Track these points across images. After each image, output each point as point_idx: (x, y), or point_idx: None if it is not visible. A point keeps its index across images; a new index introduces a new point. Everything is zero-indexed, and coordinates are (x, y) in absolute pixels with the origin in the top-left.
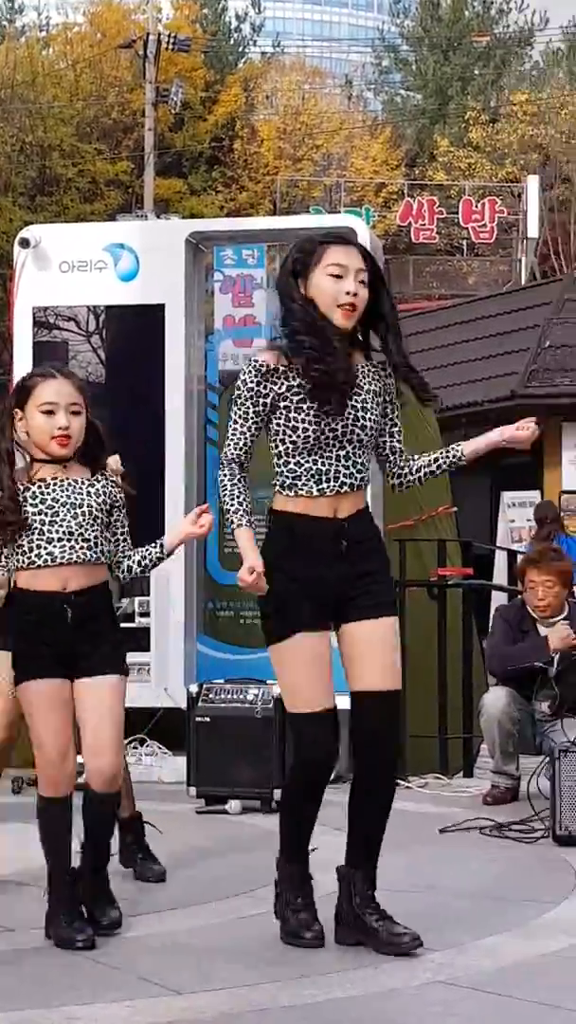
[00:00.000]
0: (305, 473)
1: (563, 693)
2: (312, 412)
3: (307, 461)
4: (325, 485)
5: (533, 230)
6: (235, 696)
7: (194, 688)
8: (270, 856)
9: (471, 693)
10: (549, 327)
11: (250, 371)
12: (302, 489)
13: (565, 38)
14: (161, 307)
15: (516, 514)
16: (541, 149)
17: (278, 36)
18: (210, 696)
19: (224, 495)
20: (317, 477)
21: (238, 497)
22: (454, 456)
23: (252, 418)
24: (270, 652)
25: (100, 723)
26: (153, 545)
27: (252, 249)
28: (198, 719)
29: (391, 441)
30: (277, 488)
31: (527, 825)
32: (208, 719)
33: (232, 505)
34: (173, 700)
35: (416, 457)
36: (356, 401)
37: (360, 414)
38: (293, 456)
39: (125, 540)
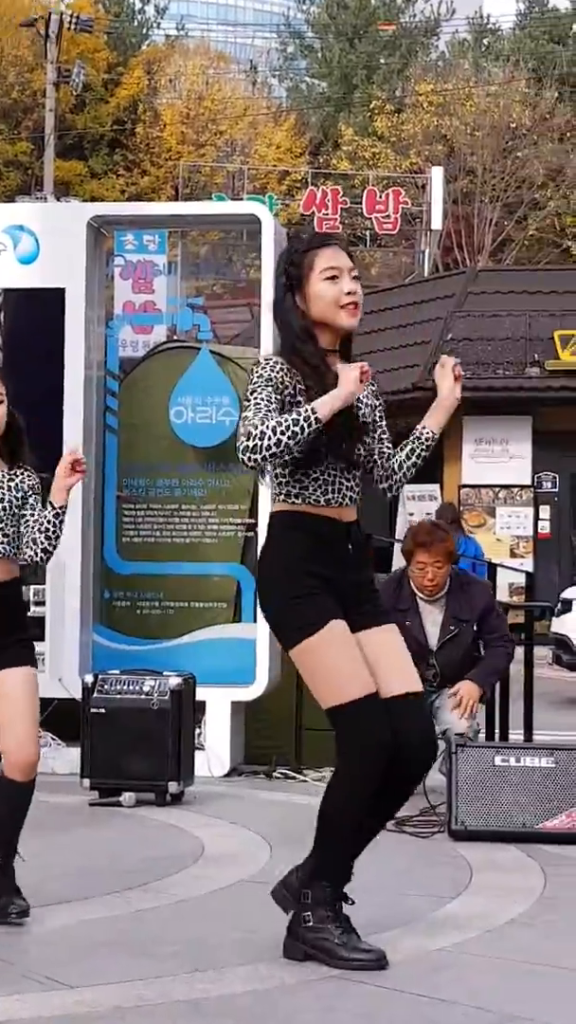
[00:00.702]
0: (312, 483)
1: (443, 668)
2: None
3: (315, 471)
4: (332, 496)
5: (437, 222)
6: (131, 687)
7: (89, 679)
8: (164, 849)
9: None
10: (451, 320)
11: (267, 364)
12: (309, 498)
13: (471, 29)
14: (61, 291)
15: (415, 507)
16: (446, 140)
17: (182, 19)
18: (105, 687)
19: (280, 432)
20: (324, 488)
21: (284, 417)
22: (426, 439)
23: (274, 401)
24: (300, 654)
25: (20, 715)
26: (42, 511)
27: (153, 235)
28: (93, 710)
29: (380, 446)
30: (281, 497)
31: (423, 819)
32: (103, 710)
33: (290, 418)
34: (68, 690)
35: (396, 459)
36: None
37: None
38: (300, 467)
39: (37, 529)
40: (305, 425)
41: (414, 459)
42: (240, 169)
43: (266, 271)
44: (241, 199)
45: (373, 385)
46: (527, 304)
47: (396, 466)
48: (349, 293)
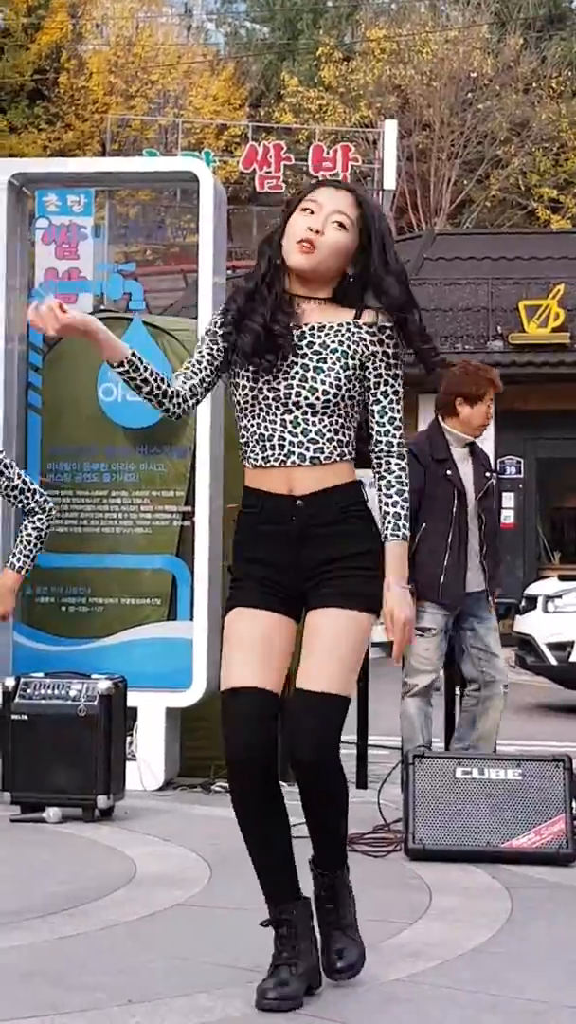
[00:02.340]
0: (252, 438)
1: (485, 516)
2: (251, 369)
3: (252, 424)
4: (270, 453)
5: (390, 181)
6: (56, 692)
7: (10, 682)
8: (92, 869)
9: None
10: None
11: (216, 314)
12: (250, 456)
13: None
14: None
15: (371, 494)
16: (399, 91)
17: None
18: (28, 691)
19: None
20: (262, 444)
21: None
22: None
23: (205, 354)
24: None
25: None
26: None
27: (79, 195)
28: (14, 717)
29: (373, 407)
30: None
31: (377, 837)
32: (25, 717)
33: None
34: None
35: (389, 478)
36: (308, 361)
37: (311, 375)
38: (241, 418)
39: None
40: (122, 379)
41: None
42: (174, 123)
43: (204, 234)
44: (175, 155)
45: (355, 330)
46: (489, 271)
47: (383, 485)
48: (310, 229)
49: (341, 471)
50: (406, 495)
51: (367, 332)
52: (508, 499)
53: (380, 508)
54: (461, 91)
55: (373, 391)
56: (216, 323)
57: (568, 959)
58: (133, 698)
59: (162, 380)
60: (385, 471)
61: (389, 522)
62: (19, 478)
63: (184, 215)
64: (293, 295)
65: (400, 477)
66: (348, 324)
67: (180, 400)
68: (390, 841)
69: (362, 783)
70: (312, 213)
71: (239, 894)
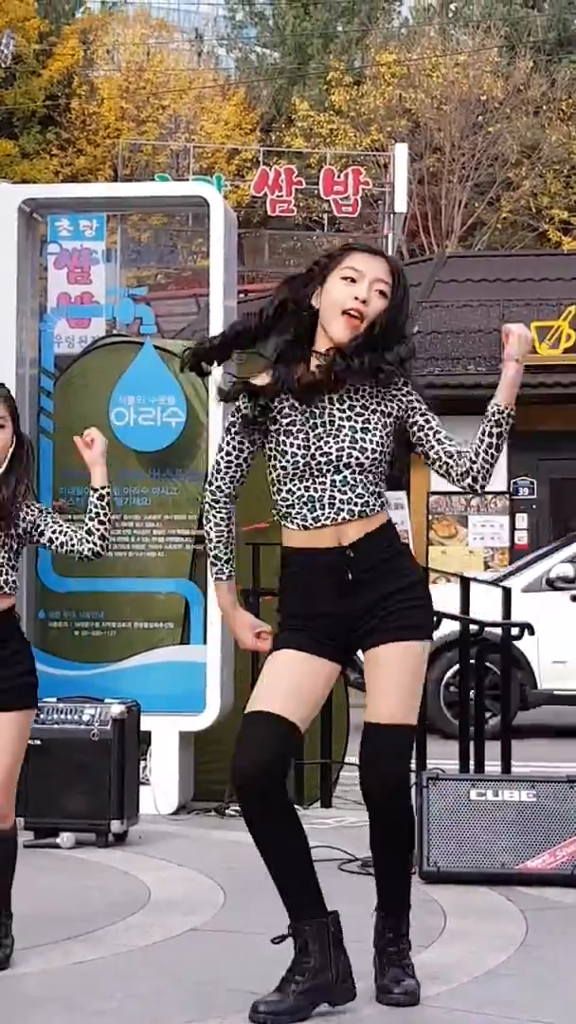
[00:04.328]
0: (297, 501)
1: None
2: (302, 436)
3: (299, 488)
4: (320, 512)
5: (401, 204)
6: (69, 717)
7: None
8: (106, 895)
9: (331, 714)
10: (417, 311)
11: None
12: (296, 518)
13: None
14: None
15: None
16: (410, 115)
17: None
18: (41, 716)
19: (207, 539)
20: (311, 504)
21: (220, 540)
22: (492, 414)
23: (238, 444)
24: None
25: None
26: (89, 506)
27: (91, 219)
28: (28, 742)
29: (441, 447)
30: (278, 519)
31: None
32: (38, 742)
33: (213, 550)
34: None
35: (471, 445)
36: (355, 422)
37: (359, 435)
38: (285, 483)
39: (68, 533)
40: (212, 567)
41: (485, 439)
42: (185, 147)
43: (214, 258)
44: (186, 180)
45: (387, 390)
46: (500, 293)
47: (474, 457)
48: (357, 299)
49: (380, 516)
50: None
51: (395, 388)
52: (521, 519)
53: (482, 439)
54: (471, 114)
55: (425, 430)
56: (243, 403)
57: None
58: (146, 722)
59: (232, 529)
60: (469, 451)
61: (486, 421)
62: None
63: (196, 239)
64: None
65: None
66: (381, 386)
67: (231, 508)
68: None
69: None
70: (354, 282)
71: (253, 919)
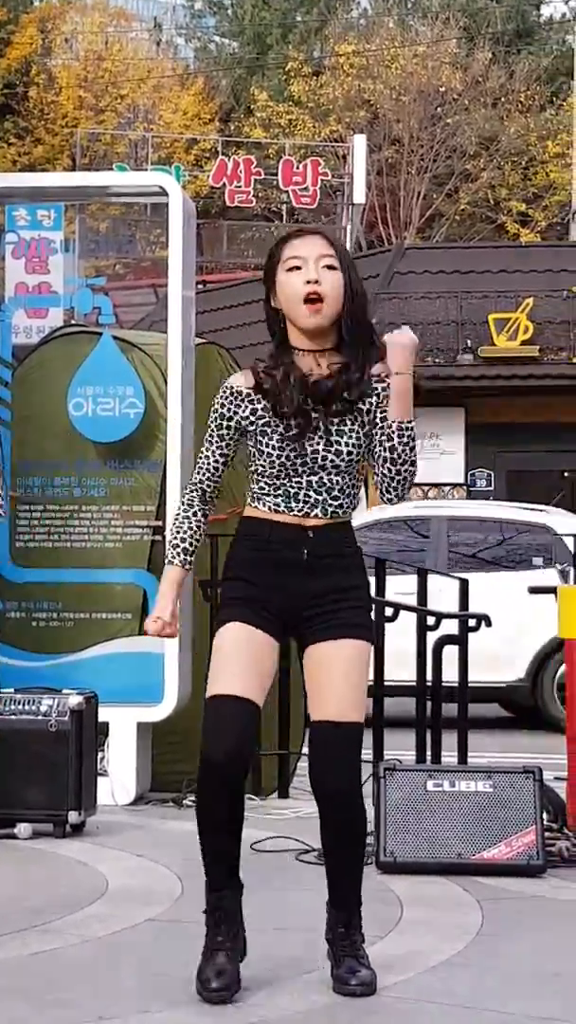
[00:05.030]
0: (273, 492)
1: None
2: (276, 437)
3: (277, 482)
4: (294, 504)
5: (359, 195)
6: (26, 707)
7: None
8: (64, 886)
9: (288, 704)
10: (377, 302)
11: (219, 393)
12: (268, 503)
13: None
14: None
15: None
16: (369, 106)
17: None
18: None
19: (172, 524)
20: (286, 498)
21: (182, 531)
22: (403, 432)
23: (217, 442)
24: None
25: None
26: None
27: (49, 209)
28: None
29: (390, 454)
30: (248, 500)
31: None
32: None
33: (174, 538)
34: None
35: (386, 466)
36: (331, 423)
37: (334, 438)
38: (263, 478)
39: None
40: (171, 551)
41: (388, 455)
42: (144, 137)
43: (173, 248)
44: (145, 170)
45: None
46: (459, 284)
47: (395, 473)
48: (309, 282)
49: (348, 516)
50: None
51: (376, 382)
52: None
53: (388, 453)
54: (430, 105)
55: (385, 428)
56: (220, 402)
57: (538, 971)
58: (104, 713)
59: (201, 526)
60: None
61: (384, 434)
62: None
63: (154, 229)
64: (304, 351)
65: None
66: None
67: (211, 507)
68: None
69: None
70: (300, 268)
71: (203, 906)
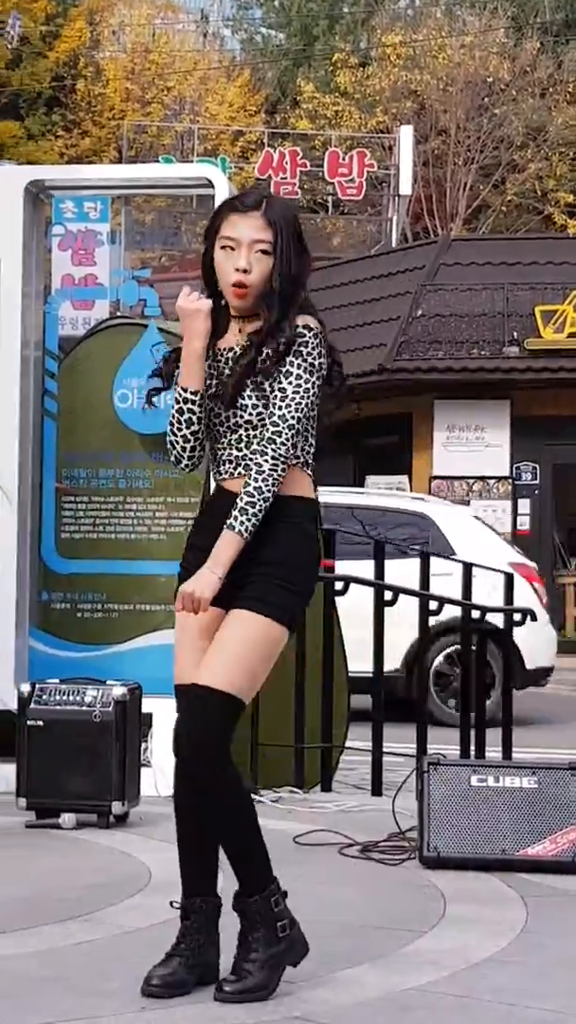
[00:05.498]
0: (215, 456)
1: None
2: (200, 396)
3: (213, 447)
4: (221, 468)
5: (406, 186)
6: (71, 698)
7: (25, 688)
8: (107, 875)
9: (331, 698)
10: (422, 294)
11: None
12: (214, 470)
13: None
14: None
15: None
16: (415, 97)
17: None
18: (43, 697)
19: (169, 431)
20: (219, 461)
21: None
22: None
23: (201, 417)
24: None
25: None
26: None
27: (95, 201)
28: (29, 723)
29: (264, 424)
30: None
31: (391, 845)
32: (40, 723)
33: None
34: (1, 701)
35: (251, 467)
36: (222, 388)
37: (246, 398)
38: (209, 440)
39: None
40: (180, 403)
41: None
42: (190, 129)
43: None
44: (191, 162)
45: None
46: (505, 276)
47: (251, 466)
48: (237, 270)
49: (286, 483)
50: (249, 489)
51: (282, 338)
52: (524, 505)
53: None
54: (477, 96)
55: (272, 399)
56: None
57: None
58: (148, 704)
59: (203, 435)
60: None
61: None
62: None
63: (200, 221)
64: (233, 317)
65: (251, 469)
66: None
67: (199, 460)
68: (404, 849)
69: (377, 791)
70: (233, 250)
71: None
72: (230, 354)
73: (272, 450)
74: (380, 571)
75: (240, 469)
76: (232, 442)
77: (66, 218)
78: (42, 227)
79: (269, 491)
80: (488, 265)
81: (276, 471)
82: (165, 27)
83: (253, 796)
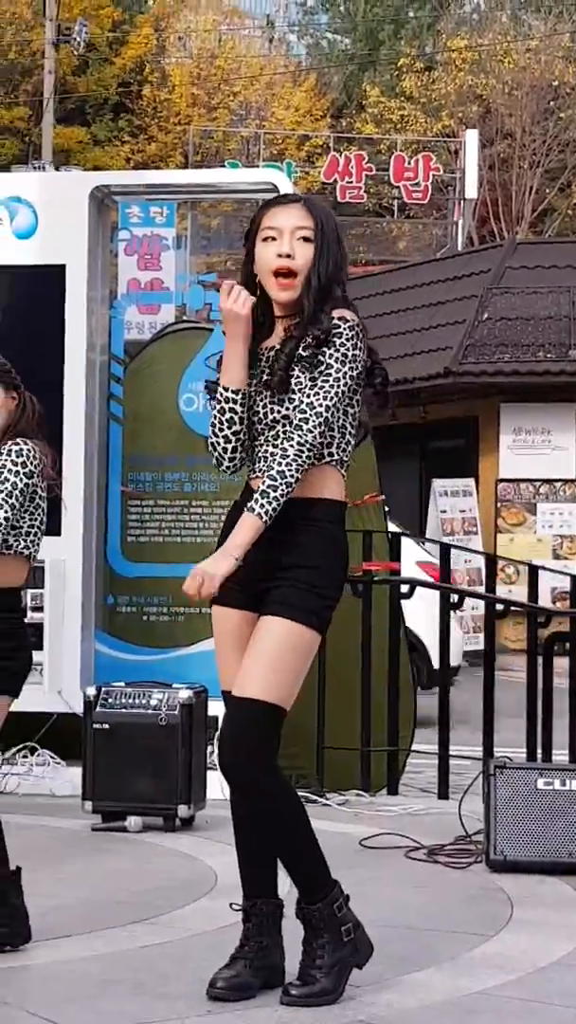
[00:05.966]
0: (253, 459)
1: None
2: (242, 396)
3: (253, 449)
4: (256, 466)
5: (471, 190)
6: (137, 701)
7: (91, 691)
8: (173, 879)
9: (397, 701)
10: (488, 297)
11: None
12: (249, 471)
13: None
14: (61, 268)
15: (448, 504)
16: (481, 101)
17: None
18: (109, 701)
19: (211, 431)
20: (255, 460)
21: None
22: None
23: (243, 418)
24: None
25: None
26: None
27: (161, 206)
28: (95, 726)
29: (292, 412)
30: None
31: (458, 848)
32: (106, 726)
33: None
34: (68, 704)
35: (276, 453)
36: (269, 376)
37: (274, 388)
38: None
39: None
40: (222, 403)
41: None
42: (255, 134)
43: None
44: (257, 166)
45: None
46: (571, 279)
47: (272, 456)
48: (281, 256)
49: (314, 484)
50: (272, 473)
51: (319, 329)
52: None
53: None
54: (543, 100)
55: (299, 389)
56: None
57: None
58: (214, 707)
59: (245, 436)
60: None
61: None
62: None
63: None
64: (278, 317)
65: (275, 455)
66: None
67: (240, 463)
68: (471, 852)
69: (444, 794)
70: (275, 240)
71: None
72: (271, 353)
73: (299, 436)
74: (445, 573)
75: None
76: (269, 438)
77: (132, 223)
78: (108, 232)
79: (293, 476)
80: (554, 268)
81: (301, 456)
82: (231, 33)
83: (319, 799)
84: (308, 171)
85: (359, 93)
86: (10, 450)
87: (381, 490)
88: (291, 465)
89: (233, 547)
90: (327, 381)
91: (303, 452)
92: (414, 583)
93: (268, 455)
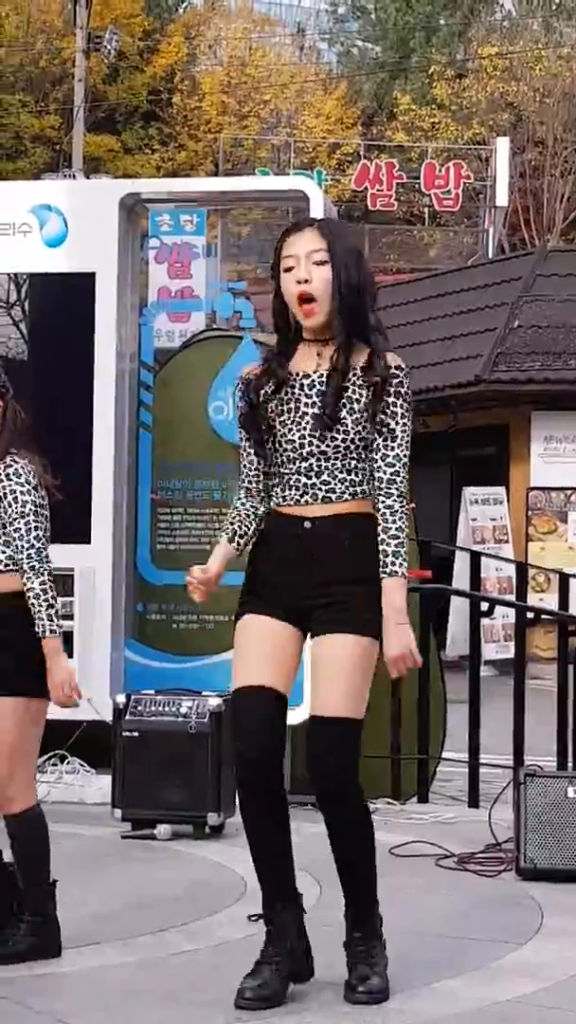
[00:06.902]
0: (277, 482)
1: None
2: (267, 423)
3: (278, 473)
4: (288, 493)
5: (502, 198)
6: (166, 709)
7: (121, 699)
8: (203, 887)
9: (428, 709)
10: (518, 305)
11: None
12: (274, 496)
13: None
14: (91, 276)
15: (479, 512)
16: (512, 108)
17: None
18: (139, 708)
19: (229, 515)
20: (283, 487)
21: (231, 515)
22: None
23: (244, 437)
24: None
25: None
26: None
27: (191, 215)
28: (125, 734)
29: (378, 467)
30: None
31: (488, 856)
32: (136, 734)
33: (229, 524)
34: (97, 712)
35: (385, 519)
36: (319, 410)
37: (323, 424)
38: (271, 467)
39: (17, 543)
40: (223, 533)
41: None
42: (286, 142)
43: None
44: (287, 174)
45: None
46: None
47: (383, 519)
48: (299, 282)
49: (353, 505)
50: (393, 531)
51: (375, 376)
52: None
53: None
54: (574, 107)
55: (381, 441)
56: (238, 396)
57: None
58: None
59: (255, 518)
60: (377, 506)
61: (381, 560)
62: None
63: None
64: (309, 341)
65: (385, 515)
66: (356, 369)
67: (260, 504)
68: (501, 860)
69: (474, 802)
70: (294, 268)
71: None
72: (306, 380)
73: (396, 490)
74: (475, 582)
75: (307, 498)
76: (301, 469)
77: (162, 231)
78: (137, 240)
79: (405, 527)
80: None
81: (403, 507)
82: (261, 41)
83: None
84: (339, 179)
85: (390, 101)
86: (8, 475)
87: (411, 498)
88: (402, 517)
89: (401, 614)
90: (404, 431)
91: (403, 502)
92: (439, 591)
93: (308, 492)
